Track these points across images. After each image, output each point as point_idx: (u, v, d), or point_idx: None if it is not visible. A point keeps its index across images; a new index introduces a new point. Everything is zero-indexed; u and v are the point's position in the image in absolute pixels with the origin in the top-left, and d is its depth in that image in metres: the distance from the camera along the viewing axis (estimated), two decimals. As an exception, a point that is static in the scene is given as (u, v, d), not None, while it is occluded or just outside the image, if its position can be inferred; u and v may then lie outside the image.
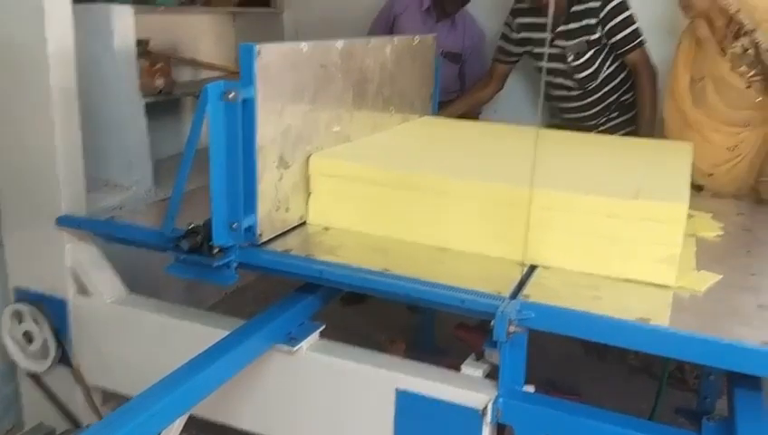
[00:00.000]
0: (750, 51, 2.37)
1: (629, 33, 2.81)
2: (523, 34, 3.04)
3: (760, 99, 2.43)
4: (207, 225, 1.56)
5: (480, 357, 1.54)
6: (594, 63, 2.89)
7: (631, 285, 1.51)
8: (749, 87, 2.42)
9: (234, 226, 1.55)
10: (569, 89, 2.98)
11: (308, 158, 1.80)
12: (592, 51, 2.86)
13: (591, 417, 1.38)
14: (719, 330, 1.30)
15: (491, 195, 1.65)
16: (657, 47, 2.86)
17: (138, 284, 1.98)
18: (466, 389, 1.46)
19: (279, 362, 1.61)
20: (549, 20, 2.84)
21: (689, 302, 1.45)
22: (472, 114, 3.30)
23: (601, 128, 3.01)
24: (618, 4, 2.79)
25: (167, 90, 2.98)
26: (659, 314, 1.39)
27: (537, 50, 3.01)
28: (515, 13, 3.06)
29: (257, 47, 1.51)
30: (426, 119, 2.63)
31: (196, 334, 1.68)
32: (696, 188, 2.44)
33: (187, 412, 1.40)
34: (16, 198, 1.92)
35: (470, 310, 1.43)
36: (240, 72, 1.52)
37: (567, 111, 3.07)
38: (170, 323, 1.78)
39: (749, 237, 1.93)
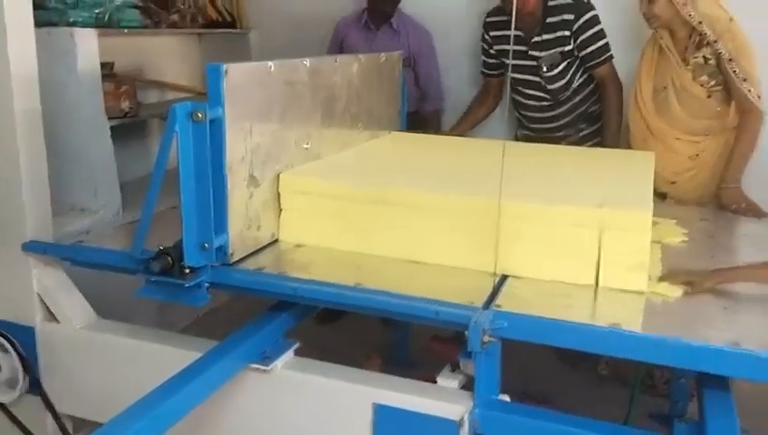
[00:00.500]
0: (711, 61, 2.45)
1: (600, 47, 2.88)
2: (497, 47, 3.09)
3: (719, 108, 2.51)
4: (178, 245, 1.55)
5: (455, 368, 1.55)
6: (566, 75, 2.95)
7: (602, 293, 1.54)
8: (709, 97, 2.50)
9: (205, 245, 1.54)
10: (540, 99, 3.02)
11: (278, 175, 1.80)
12: (565, 62, 2.92)
13: (568, 424, 1.40)
14: (687, 333, 1.33)
15: (461, 207, 1.68)
16: (621, 57, 2.93)
17: (107, 309, 1.95)
18: (443, 400, 1.46)
19: (254, 382, 1.60)
20: (512, 29, 2.90)
21: (658, 307, 1.49)
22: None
23: (570, 139, 3.05)
24: (590, 18, 2.85)
25: (132, 112, 2.95)
26: (630, 320, 1.41)
27: (509, 61, 3.05)
28: (488, 26, 3.10)
29: (224, 67, 1.52)
30: (394, 135, 2.65)
31: (168, 357, 1.66)
32: (660, 195, 2.51)
33: (160, 436, 1.37)
34: (-20, 225, 1.88)
35: (444, 321, 1.44)
36: (207, 93, 1.52)
37: (537, 120, 3.10)
38: (142, 347, 1.75)
39: (712, 243, 1.98)
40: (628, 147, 2.76)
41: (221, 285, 1.61)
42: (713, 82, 2.48)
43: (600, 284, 1.56)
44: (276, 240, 1.82)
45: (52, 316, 1.87)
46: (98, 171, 2.71)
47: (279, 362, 1.60)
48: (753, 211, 2.33)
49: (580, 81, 2.98)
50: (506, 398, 1.50)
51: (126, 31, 2.91)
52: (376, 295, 1.50)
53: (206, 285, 1.59)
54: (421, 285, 1.56)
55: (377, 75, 2.49)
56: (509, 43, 2.99)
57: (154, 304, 2.87)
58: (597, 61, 2.90)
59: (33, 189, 1.83)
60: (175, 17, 3.22)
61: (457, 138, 2.96)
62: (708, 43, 2.43)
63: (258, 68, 1.70)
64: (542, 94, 3.01)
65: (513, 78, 3.04)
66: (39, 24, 2.44)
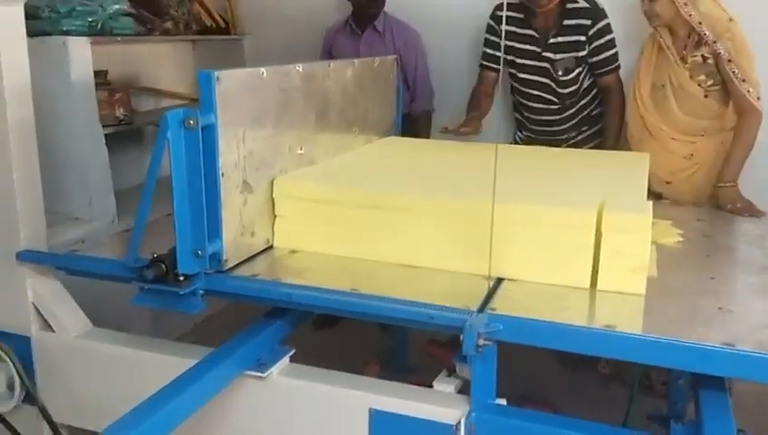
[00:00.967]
0: (710, 60, 2.46)
1: (611, 56, 2.88)
2: (506, 42, 2.98)
3: (717, 108, 2.52)
4: (172, 253, 1.54)
5: (452, 373, 1.55)
6: (578, 80, 2.93)
7: (597, 294, 1.54)
8: (707, 96, 2.51)
9: (199, 253, 1.53)
10: (548, 102, 2.99)
11: (272, 181, 1.80)
12: (579, 68, 2.90)
13: (564, 427, 1.40)
14: (682, 333, 1.33)
15: (455, 211, 1.67)
16: (621, 53, 2.92)
17: (103, 318, 1.94)
18: (439, 405, 1.46)
19: (250, 389, 1.60)
20: (503, 34, 2.91)
21: (653, 307, 1.48)
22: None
23: (572, 141, 3.04)
24: (605, 26, 2.84)
25: (127, 120, 2.96)
26: (625, 321, 1.41)
27: (519, 60, 2.97)
28: (497, 19, 3.00)
29: (216, 73, 1.52)
30: (389, 139, 2.65)
31: (164, 365, 1.65)
32: (656, 196, 2.51)
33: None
34: (-26, 235, 1.88)
35: (439, 325, 1.44)
36: (199, 99, 1.52)
37: (541, 123, 3.06)
38: (138, 356, 1.75)
39: (708, 243, 1.98)
40: (627, 144, 2.76)
41: (215, 292, 1.61)
42: (710, 82, 2.49)
43: (598, 286, 1.55)
44: (271, 246, 1.82)
45: (47, 326, 1.86)
46: (93, 180, 2.71)
47: (275, 369, 1.59)
48: (750, 211, 2.33)
49: (587, 85, 2.98)
50: (503, 401, 1.49)
51: (119, 39, 2.92)
52: (371, 300, 1.50)
53: (201, 292, 1.58)
54: (416, 289, 1.55)
55: (371, 80, 2.49)
56: (522, 41, 2.92)
57: (150, 313, 2.87)
58: (607, 69, 2.89)
59: (26, 199, 1.83)
60: (168, 24, 3.23)
61: (452, 142, 2.94)
62: (707, 43, 2.44)
63: (250, 74, 1.70)
64: (550, 97, 2.97)
65: (523, 79, 2.99)
66: (32, 33, 2.44)
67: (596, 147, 2.99)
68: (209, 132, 1.52)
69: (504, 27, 2.96)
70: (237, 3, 3.90)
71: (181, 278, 1.55)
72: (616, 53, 2.89)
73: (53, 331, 1.85)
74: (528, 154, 2.52)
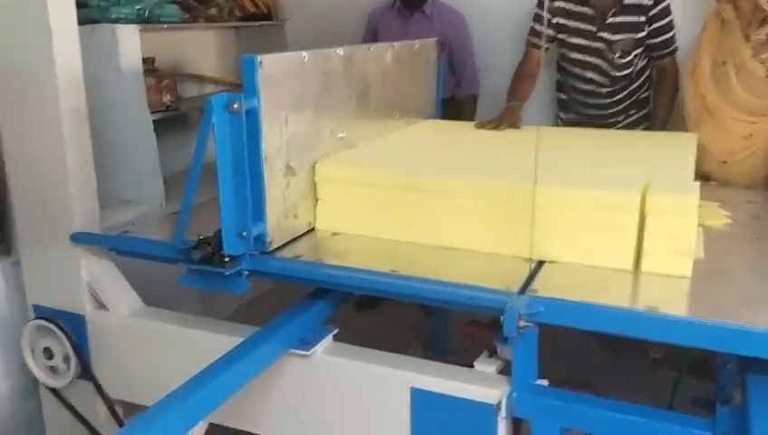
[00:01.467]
0: None
1: (670, 38, 2.78)
2: (559, 20, 2.85)
3: None
4: (218, 235, 1.58)
5: (493, 353, 1.56)
6: (634, 62, 2.83)
7: (641, 277, 1.52)
8: None
9: (243, 234, 1.57)
10: (600, 85, 2.88)
11: (314, 165, 1.83)
12: (637, 50, 2.80)
13: (604, 407, 1.40)
14: (728, 315, 1.30)
15: (496, 192, 1.67)
16: (682, 29, 2.82)
17: (152, 299, 2.01)
18: (480, 385, 1.47)
19: (294, 367, 1.64)
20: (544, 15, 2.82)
21: (699, 290, 1.46)
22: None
23: (619, 125, 2.95)
24: (666, 7, 2.74)
25: (174, 106, 3.02)
26: (669, 303, 1.39)
27: (572, 39, 2.85)
28: None
29: (259, 58, 1.54)
30: (430, 122, 2.65)
31: (212, 343, 1.70)
32: (703, 177, 2.44)
33: (205, 418, 1.42)
34: (32, 217, 1.96)
35: (479, 307, 1.45)
36: (243, 84, 1.55)
37: (590, 106, 2.96)
38: (187, 334, 1.81)
39: (758, 225, 1.92)
40: (683, 122, 2.69)
41: (259, 272, 1.65)
42: None
43: (642, 268, 1.53)
44: (313, 228, 1.85)
45: (101, 305, 1.94)
46: (142, 164, 2.78)
47: (318, 348, 1.63)
48: None
49: (639, 67, 2.88)
50: (544, 382, 1.50)
51: (166, 26, 2.97)
52: (411, 282, 1.51)
53: (246, 272, 1.63)
54: (457, 271, 1.57)
55: (411, 63, 2.49)
56: (576, 19, 2.81)
57: (197, 294, 2.94)
58: (665, 51, 2.79)
59: (80, 183, 1.90)
60: (213, 11, 3.27)
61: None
62: None
63: (292, 58, 1.72)
64: (602, 79, 2.86)
65: (573, 59, 2.89)
66: (82, 21, 2.52)
67: (644, 130, 2.91)
68: (253, 116, 1.55)
69: (557, 3, 2.83)
70: (279, -12, 3.92)
71: (227, 259, 1.59)
72: (674, 36, 2.78)
73: (107, 309, 1.92)
74: (571, 136, 2.49)
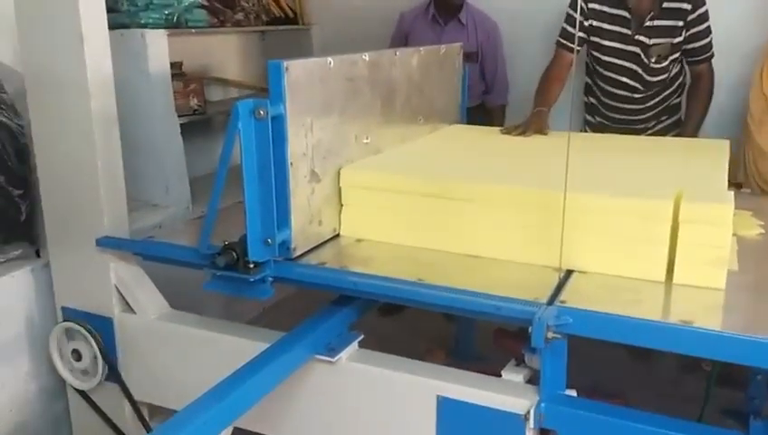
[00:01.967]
0: None
1: (707, 43, 2.73)
2: (592, 22, 2.79)
3: None
4: (242, 241, 1.58)
5: (520, 362, 1.54)
6: (669, 68, 2.79)
7: (674, 288, 1.49)
8: None
9: (268, 241, 1.57)
10: (633, 90, 2.83)
11: (339, 171, 1.82)
12: (673, 55, 2.75)
13: (634, 419, 1.37)
14: (764, 329, 1.27)
15: (524, 200, 1.65)
16: (748, 32, 2.83)
17: (177, 302, 2.02)
18: (508, 394, 1.46)
19: (319, 373, 1.63)
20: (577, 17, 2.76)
21: (732, 303, 1.42)
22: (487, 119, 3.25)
23: (650, 130, 2.90)
24: (704, 12, 2.69)
25: (201, 110, 3.05)
26: (703, 316, 1.36)
27: (606, 43, 2.79)
28: None
29: (285, 63, 1.54)
30: (455, 127, 2.63)
31: (238, 347, 1.71)
32: (736, 185, 2.39)
33: (231, 423, 1.42)
34: (61, 220, 1.99)
35: (506, 317, 1.43)
36: (269, 89, 1.55)
37: (621, 111, 2.91)
38: (213, 338, 1.81)
39: (793, 234, 1.87)
40: (745, 125, 2.62)
41: (284, 279, 1.65)
42: None
43: (674, 280, 1.50)
44: (338, 235, 1.84)
45: (129, 308, 1.95)
46: (169, 168, 2.81)
47: (344, 354, 1.62)
48: None
49: (674, 74, 2.84)
50: (573, 393, 1.47)
51: (194, 31, 3.00)
52: (436, 290, 1.50)
53: (270, 279, 1.63)
54: (483, 280, 1.54)
55: (437, 68, 2.48)
56: (612, 22, 2.76)
57: (222, 297, 2.96)
58: (702, 57, 2.74)
59: (109, 187, 1.92)
60: (239, 15, 3.30)
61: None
62: None
63: (318, 64, 1.72)
64: (636, 84, 2.81)
65: (607, 62, 2.83)
66: (112, 26, 2.55)
67: (675, 136, 2.86)
68: (278, 122, 1.55)
69: (591, 5, 2.77)
70: (305, -7, 3.94)
71: (251, 266, 1.59)
72: (711, 41, 2.73)
73: (134, 313, 1.94)
74: (601, 142, 2.46)
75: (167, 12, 2.77)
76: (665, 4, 2.67)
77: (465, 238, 1.71)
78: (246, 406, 1.42)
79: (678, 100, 2.92)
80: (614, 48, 2.79)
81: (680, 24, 2.68)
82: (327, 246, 1.79)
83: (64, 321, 2.01)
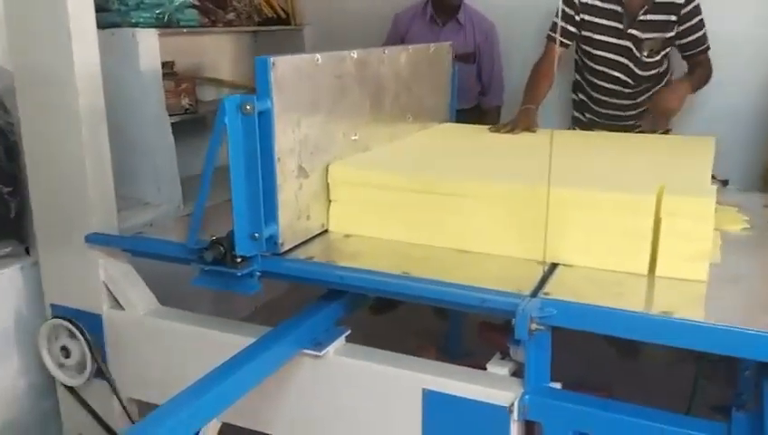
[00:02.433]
0: None
1: (702, 36, 2.73)
2: (584, 16, 2.80)
3: None
4: (230, 236, 1.59)
5: (505, 356, 1.55)
6: (663, 63, 2.80)
7: (656, 281, 1.51)
8: None
9: (255, 236, 1.58)
10: (625, 84, 2.83)
11: (327, 167, 1.83)
12: (665, 50, 2.76)
13: (617, 411, 1.38)
14: (744, 321, 1.29)
15: (509, 196, 1.66)
16: None
17: (170, 299, 2.02)
18: (493, 387, 1.47)
19: (306, 367, 1.64)
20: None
21: (716, 294, 1.44)
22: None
23: (638, 129, 2.90)
24: (697, 5, 2.69)
25: (192, 109, 3.06)
26: (684, 308, 1.37)
27: (597, 37, 2.80)
28: None
29: (272, 59, 1.55)
30: (444, 125, 2.65)
31: (227, 343, 1.70)
32: (722, 182, 2.41)
33: (216, 417, 1.43)
34: (50, 218, 1.99)
35: (491, 309, 1.44)
36: (256, 85, 1.56)
37: (611, 106, 2.91)
38: (202, 334, 1.82)
39: (777, 229, 1.89)
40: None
41: (271, 273, 1.65)
42: None
43: (657, 272, 1.51)
44: (326, 230, 1.86)
45: (117, 304, 1.95)
46: (160, 166, 2.82)
47: (331, 348, 1.63)
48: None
49: (664, 68, 2.85)
50: (557, 385, 1.48)
51: (185, 30, 3.01)
52: (421, 283, 1.51)
53: (258, 274, 1.64)
54: (469, 273, 1.56)
55: (426, 66, 2.49)
56: (603, 16, 2.77)
57: (213, 295, 2.96)
58: (698, 50, 2.73)
59: (97, 185, 1.92)
60: (231, 15, 3.30)
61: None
62: None
63: (306, 60, 1.73)
64: (627, 79, 2.82)
65: (598, 56, 2.84)
66: (103, 25, 2.56)
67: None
68: (265, 118, 1.56)
69: None
70: (298, -7, 3.95)
71: (239, 260, 1.60)
72: (705, 34, 2.73)
73: (123, 309, 1.94)
74: (587, 139, 2.47)
75: (158, 11, 2.78)
76: None
77: (452, 233, 1.72)
78: (231, 400, 1.43)
79: None
80: (606, 42, 2.80)
81: (673, 18, 2.70)
82: (315, 241, 1.80)
83: (53, 318, 2.02)
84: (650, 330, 1.34)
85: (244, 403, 1.49)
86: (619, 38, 2.77)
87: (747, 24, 3.06)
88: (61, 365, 2.04)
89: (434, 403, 1.50)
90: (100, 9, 2.34)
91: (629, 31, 2.75)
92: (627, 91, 2.86)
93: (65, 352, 2.01)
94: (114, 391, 1.94)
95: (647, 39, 2.74)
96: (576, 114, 3.10)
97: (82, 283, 1.96)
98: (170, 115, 2.85)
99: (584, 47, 2.90)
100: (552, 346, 1.44)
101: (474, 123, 2.89)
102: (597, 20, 2.80)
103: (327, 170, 1.83)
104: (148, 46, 2.67)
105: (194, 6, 3.02)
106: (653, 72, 2.81)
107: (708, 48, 2.77)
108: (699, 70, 2.75)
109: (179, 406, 1.34)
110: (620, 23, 2.76)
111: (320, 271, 1.63)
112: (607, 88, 2.89)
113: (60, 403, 2.14)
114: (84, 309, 1.97)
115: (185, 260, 1.71)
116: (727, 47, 2.89)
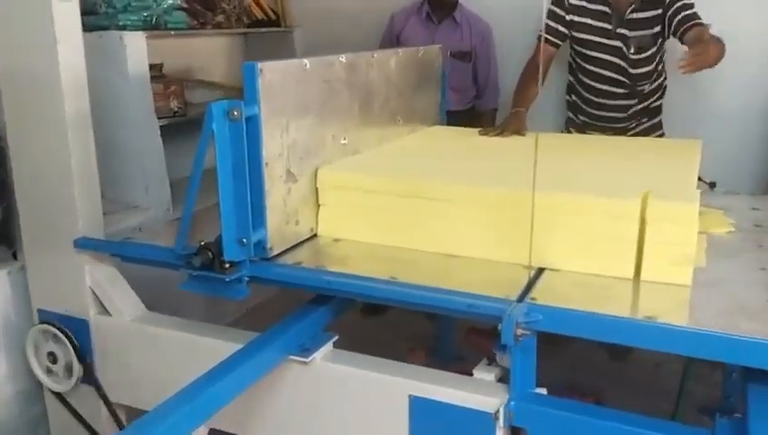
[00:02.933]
0: None
1: (694, 14, 2.65)
2: (573, 17, 2.82)
3: None
4: (218, 241, 1.59)
5: (492, 361, 1.55)
6: (653, 61, 2.79)
7: (642, 285, 1.51)
8: None
9: (243, 241, 1.58)
10: (617, 84, 2.83)
11: (316, 171, 1.83)
12: (654, 47, 2.76)
13: (602, 417, 1.39)
14: (727, 325, 1.29)
15: (496, 200, 1.67)
16: None
17: (159, 303, 2.02)
18: (479, 393, 1.47)
19: (293, 373, 1.64)
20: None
21: (700, 299, 1.45)
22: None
23: (631, 132, 2.92)
24: None
25: (181, 112, 3.04)
26: (668, 312, 1.38)
27: (587, 37, 2.80)
28: None
29: (259, 65, 1.55)
30: (434, 128, 2.65)
31: (214, 349, 1.70)
32: (710, 184, 2.43)
33: (203, 423, 1.43)
34: (36, 222, 1.98)
35: (477, 314, 1.44)
36: (244, 91, 1.56)
37: (604, 107, 2.90)
38: (189, 339, 1.81)
39: (761, 232, 1.90)
40: None
41: (260, 279, 1.65)
42: None
43: (642, 277, 1.52)
44: (315, 235, 1.85)
45: (104, 310, 1.95)
46: (149, 170, 2.80)
47: (318, 355, 1.63)
48: None
49: (659, 69, 2.85)
50: (543, 391, 1.49)
51: (173, 33, 2.99)
52: (408, 289, 1.51)
53: (246, 279, 1.63)
54: (457, 278, 1.56)
55: (416, 69, 2.49)
56: (592, 17, 2.78)
57: (203, 299, 2.96)
58: (690, 23, 2.62)
59: (83, 189, 1.91)
60: (220, 18, 3.29)
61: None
62: None
63: (294, 65, 1.73)
64: (620, 78, 2.82)
65: (590, 57, 2.84)
66: (90, 28, 2.55)
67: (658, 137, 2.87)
68: (253, 123, 1.55)
69: (572, 0, 2.79)
70: (288, -5, 3.94)
71: (227, 265, 1.60)
72: (696, 13, 2.66)
73: (110, 314, 1.94)
74: (575, 142, 2.48)
75: (145, 14, 2.77)
76: None
77: (441, 238, 1.72)
78: (218, 406, 1.42)
79: (659, 103, 2.94)
80: (597, 43, 2.81)
81: (660, 11, 2.71)
82: (304, 245, 1.80)
83: (40, 323, 2.01)
84: (635, 335, 1.35)
85: (232, 409, 1.49)
86: (609, 38, 2.79)
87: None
88: (48, 371, 2.03)
89: (420, 409, 1.50)
90: (87, 12, 2.33)
91: (619, 30, 2.76)
92: (620, 91, 2.86)
93: (52, 357, 2.00)
94: (102, 396, 1.94)
95: (635, 36, 2.75)
96: (570, 115, 3.10)
97: (69, 288, 1.95)
98: (159, 118, 2.83)
99: (576, 48, 2.91)
100: (542, 349, 1.45)
101: (469, 126, 2.90)
102: (586, 21, 2.82)
103: (316, 175, 1.83)
104: (136, 49, 2.66)
105: (182, 9, 3.01)
106: (645, 69, 2.81)
107: (704, 24, 2.62)
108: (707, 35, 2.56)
109: (167, 412, 1.33)
110: (609, 23, 2.77)
111: (308, 276, 1.63)
112: (600, 89, 2.90)
113: (48, 409, 2.13)
114: (71, 314, 1.96)
115: (173, 265, 1.70)
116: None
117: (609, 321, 1.35)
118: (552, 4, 2.87)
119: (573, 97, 3.05)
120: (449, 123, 2.86)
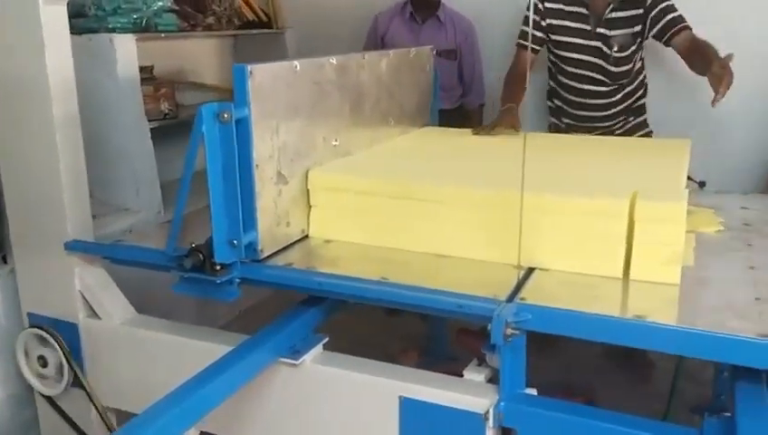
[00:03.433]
0: None
1: (678, 16, 2.66)
2: (551, 21, 2.83)
3: None
4: (209, 243, 1.59)
5: (482, 362, 1.55)
6: (633, 59, 2.79)
7: (631, 284, 1.52)
8: None
9: (234, 243, 1.58)
10: (599, 84, 2.84)
11: (307, 172, 1.83)
12: (635, 45, 2.76)
13: (593, 417, 1.39)
14: (715, 324, 1.30)
15: (486, 201, 1.67)
16: None
17: (150, 307, 2.01)
18: (469, 394, 1.47)
19: (283, 375, 1.64)
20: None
21: (689, 297, 1.45)
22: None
23: (618, 131, 2.93)
24: None
25: (172, 114, 3.03)
26: (657, 311, 1.38)
27: (566, 39, 2.82)
28: None
29: (249, 68, 1.55)
30: (425, 129, 2.65)
31: (205, 352, 1.69)
32: (699, 183, 2.44)
33: (193, 426, 1.42)
34: (26, 226, 1.98)
35: (467, 314, 1.45)
36: (234, 93, 1.56)
37: (587, 108, 2.91)
38: (179, 342, 1.81)
39: (750, 231, 1.91)
40: None
41: (251, 280, 1.65)
42: None
43: (631, 276, 1.53)
44: (307, 236, 1.85)
45: (94, 313, 1.94)
46: (139, 172, 2.79)
47: (308, 357, 1.63)
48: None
49: (638, 67, 2.87)
50: (533, 391, 1.49)
51: (163, 35, 2.98)
52: (399, 289, 1.51)
53: (237, 280, 1.63)
54: (447, 278, 1.56)
55: (407, 70, 2.50)
56: (570, 19, 2.79)
57: (195, 301, 2.95)
58: (681, 25, 2.63)
59: (73, 191, 1.90)
60: (211, 20, 3.28)
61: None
62: None
63: (284, 67, 1.73)
64: (601, 78, 2.83)
65: (569, 58, 2.85)
66: (80, 31, 2.54)
67: (644, 136, 2.89)
68: (243, 125, 1.55)
69: (547, 4, 2.81)
70: (278, -4, 3.94)
71: (218, 267, 1.59)
72: (681, 16, 2.67)
73: (99, 318, 1.93)
74: (563, 142, 2.49)
75: (135, 16, 2.75)
76: None
77: (431, 238, 1.73)
78: (208, 409, 1.42)
79: (643, 101, 2.96)
80: (576, 44, 2.82)
81: (640, 11, 2.71)
82: (296, 247, 1.80)
83: (30, 327, 2.00)
84: (624, 334, 1.35)
85: (221, 411, 1.48)
86: (588, 39, 2.80)
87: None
88: (39, 374, 2.02)
89: (411, 410, 1.50)
90: (76, 15, 2.32)
91: (597, 30, 2.77)
92: (602, 90, 2.87)
93: (42, 361, 1.99)
94: (92, 400, 1.93)
95: (615, 36, 2.76)
96: (553, 120, 3.11)
97: (58, 291, 1.95)
98: (150, 120, 2.82)
99: (555, 51, 2.92)
100: (538, 349, 1.45)
101: (458, 124, 2.91)
102: (564, 23, 2.82)
103: (307, 176, 1.83)
104: (126, 52, 2.65)
105: (172, 11, 3.00)
106: (626, 67, 2.82)
107: (689, 27, 2.67)
108: (701, 43, 2.58)
109: (157, 415, 1.33)
110: (587, 24, 2.78)
111: (299, 277, 1.63)
112: (581, 89, 2.90)
113: (39, 413, 2.12)
114: (61, 318, 1.95)
115: (164, 267, 1.70)
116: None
117: (599, 320, 1.35)
118: (528, 8, 2.88)
119: (556, 101, 3.05)
120: (440, 123, 2.86)
